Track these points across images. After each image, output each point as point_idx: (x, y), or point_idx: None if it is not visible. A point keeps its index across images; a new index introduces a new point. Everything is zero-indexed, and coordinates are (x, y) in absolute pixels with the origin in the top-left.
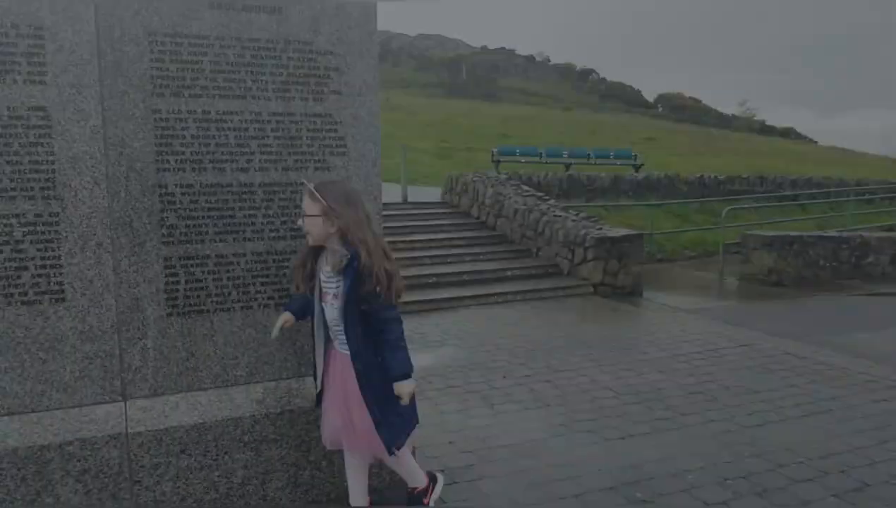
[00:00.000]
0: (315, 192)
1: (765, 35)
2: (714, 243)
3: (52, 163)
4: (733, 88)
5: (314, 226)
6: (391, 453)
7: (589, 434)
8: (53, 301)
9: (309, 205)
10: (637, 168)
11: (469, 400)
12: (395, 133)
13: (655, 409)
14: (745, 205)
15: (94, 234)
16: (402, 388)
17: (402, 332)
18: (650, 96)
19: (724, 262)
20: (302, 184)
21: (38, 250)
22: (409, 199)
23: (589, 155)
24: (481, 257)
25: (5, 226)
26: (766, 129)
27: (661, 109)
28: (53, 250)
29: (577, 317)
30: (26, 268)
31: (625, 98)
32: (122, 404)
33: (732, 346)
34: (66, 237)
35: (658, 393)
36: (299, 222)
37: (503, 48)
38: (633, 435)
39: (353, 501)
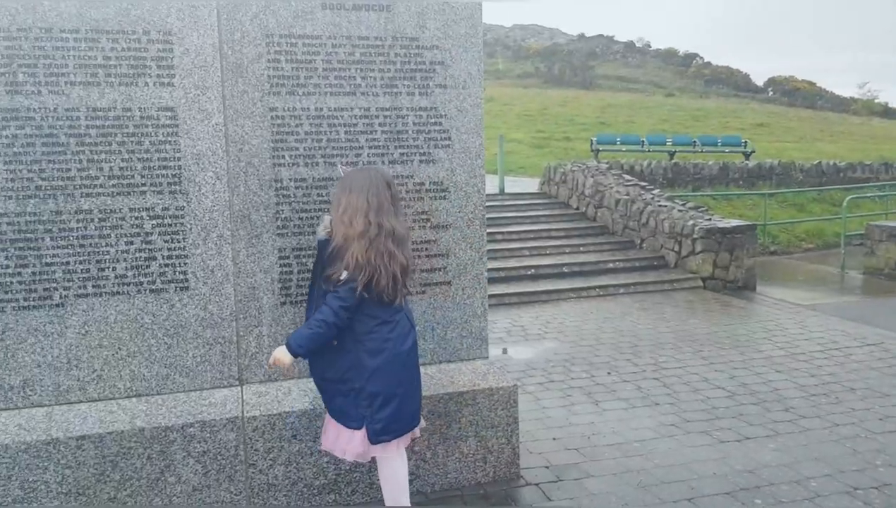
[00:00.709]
0: (339, 178)
1: (890, 12)
2: (834, 234)
3: (179, 160)
4: (851, 70)
5: (333, 207)
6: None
7: (702, 435)
8: (178, 289)
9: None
10: (747, 155)
11: (572, 395)
12: (491, 124)
13: (773, 411)
14: (869, 194)
15: (216, 226)
16: (276, 352)
17: (324, 320)
18: (759, 80)
19: (845, 255)
20: (343, 168)
21: (166, 241)
22: (506, 190)
23: (694, 142)
24: (581, 249)
25: (136, 218)
26: (889, 112)
27: (771, 93)
28: (179, 242)
29: (685, 312)
30: (154, 259)
31: (731, 83)
32: (239, 388)
33: (858, 345)
34: (191, 229)
35: (776, 394)
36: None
37: (601, 35)
38: (750, 438)
39: None
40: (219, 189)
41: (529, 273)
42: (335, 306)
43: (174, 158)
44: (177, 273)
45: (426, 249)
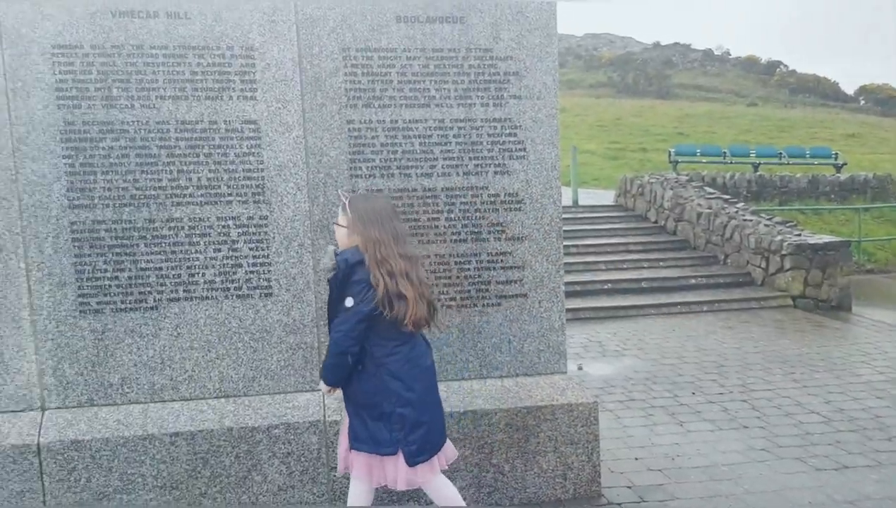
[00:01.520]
0: (347, 206)
1: None
2: None
3: (262, 171)
4: None
5: (341, 236)
6: (352, 447)
7: (796, 461)
8: (263, 295)
9: (340, 217)
10: (838, 168)
11: (654, 415)
12: (564, 135)
13: (875, 439)
14: None
15: (297, 235)
16: (319, 383)
17: (336, 351)
18: (849, 89)
19: None
20: (344, 195)
21: (251, 249)
22: (580, 202)
23: (780, 154)
24: (661, 263)
25: (223, 227)
26: None
27: (863, 103)
28: (263, 249)
29: (775, 332)
30: (241, 266)
31: (819, 91)
32: (321, 393)
33: None
34: (274, 238)
35: (877, 422)
36: (334, 227)
37: (677, 43)
38: (849, 467)
39: None
40: (299, 199)
41: (606, 287)
42: (338, 335)
43: (258, 169)
44: (261, 280)
45: (501, 261)
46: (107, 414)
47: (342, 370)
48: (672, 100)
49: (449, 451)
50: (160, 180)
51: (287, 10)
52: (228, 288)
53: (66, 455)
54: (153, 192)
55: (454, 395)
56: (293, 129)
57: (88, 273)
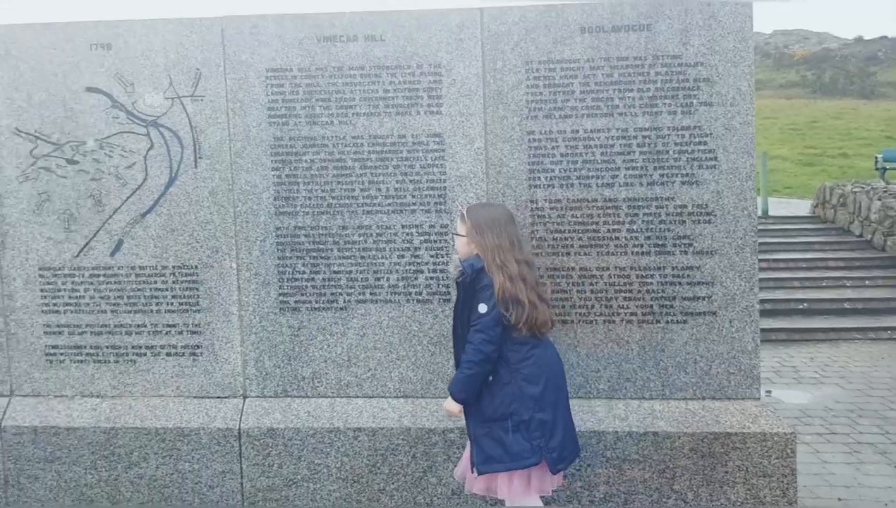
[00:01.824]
0: (465, 214)
1: None
2: None
3: (444, 181)
4: None
5: (460, 245)
6: (474, 471)
7: None
8: (442, 301)
9: (459, 226)
10: None
11: (860, 452)
12: None
13: None
14: None
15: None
16: (445, 403)
17: (478, 358)
18: None
19: None
20: (462, 205)
21: (431, 256)
22: (771, 213)
23: None
24: (867, 282)
25: (407, 235)
26: None
27: None
28: (443, 257)
29: None
30: (422, 272)
31: None
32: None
33: None
34: (453, 246)
35: None
36: (453, 237)
37: (884, 37)
38: None
39: None
40: None
41: (801, 307)
42: (477, 341)
43: (440, 180)
44: (440, 286)
45: (688, 276)
46: (299, 406)
47: (478, 381)
48: (878, 100)
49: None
50: (353, 190)
51: (473, 28)
52: (410, 293)
53: (262, 441)
54: (347, 201)
55: (633, 414)
56: (475, 141)
57: (289, 274)
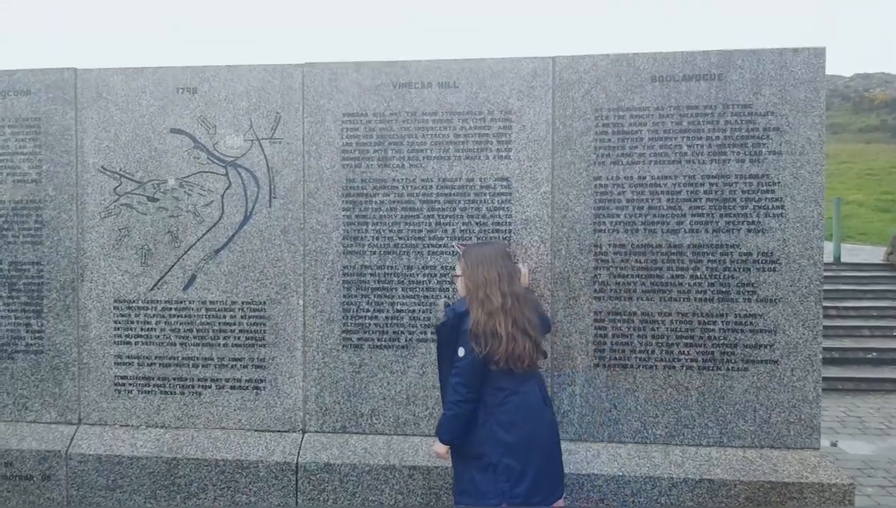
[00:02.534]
0: (462, 254)
1: None
2: None
3: (510, 224)
4: None
5: (459, 285)
6: (456, 502)
7: None
8: None
9: (458, 266)
10: None
11: None
12: (826, 184)
13: None
14: None
15: (538, 287)
16: (433, 445)
17: (456, 399)
18: None
19: None
20: (459, 246)
21: None
22: (843, 260)
23: None
24: None
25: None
26: None
27: None
28: None
29: None
30: None
31: None
32: None
33: None
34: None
35: None
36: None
37: None
38: None
39: None
40: (542, 252)
41: (870, 356)
42: (454, 383)
43: (506, 223)
44: None
45: (750, 324)
46: (356, 442)
47: (460, 422)
48: None
49: (560, 505)
50: (420, 231)
51: (545, 76)
52: None
53: (318, 477)
54: (413, 242)
55: (690, 461)
56: (542, 186)
57: (353, 311)
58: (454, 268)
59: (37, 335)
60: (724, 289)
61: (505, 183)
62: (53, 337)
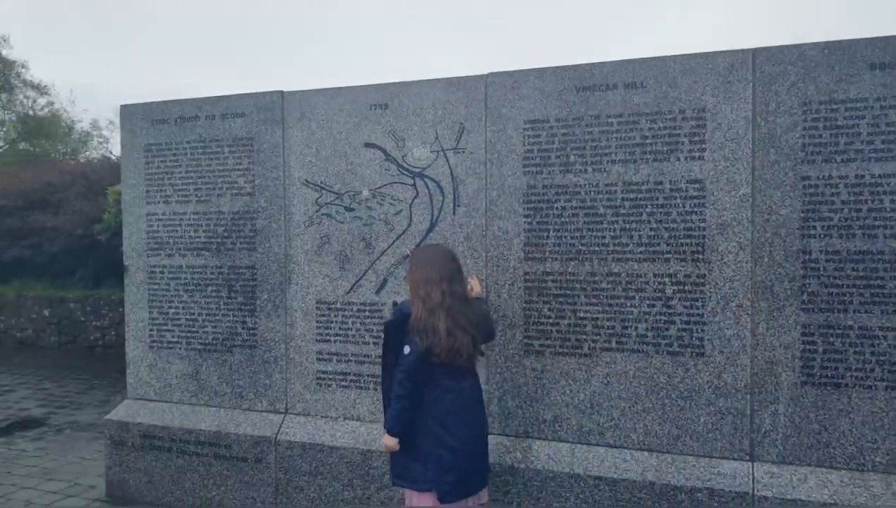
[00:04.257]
0: (410, 256)
1: None
2: None
3: (703, 229)
4: None
5: (410, 287)
6: (393, 483)
7: None
8: (694, 355)
9: (409, 270)
10: None
11: None
12: None
13: None
14: None
15: (736, 296)
16: (383, 439)
17: (402, 394)
18: None
19: None
20: (410, 251)
21: (685, 307)
22: None
23: None
24: None
25: (659, 283)
26: None
27: None
28: (697, 308)
29: None
30: (673, 322)
31: None
32: (749, 464)
33: None
34: (710, 297)
35: None
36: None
37: None
38: None
39: None
40: (741, 259)
41: None
42: (399, 378)
43: (699, 228)
44: (693, 338)
45: None
46: (539, 448)
47: (406, 414)
48: None
49: (483, 496)
50: (604, 237)
51: (744, 70)
52: (659, 344)
53: (502, 479)
54: (596, 248)
55: None
56: (740, 187)
57: (534, 318)
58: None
59: (251, 331)
60: None
61: (698, 185)
62: (265, 334)
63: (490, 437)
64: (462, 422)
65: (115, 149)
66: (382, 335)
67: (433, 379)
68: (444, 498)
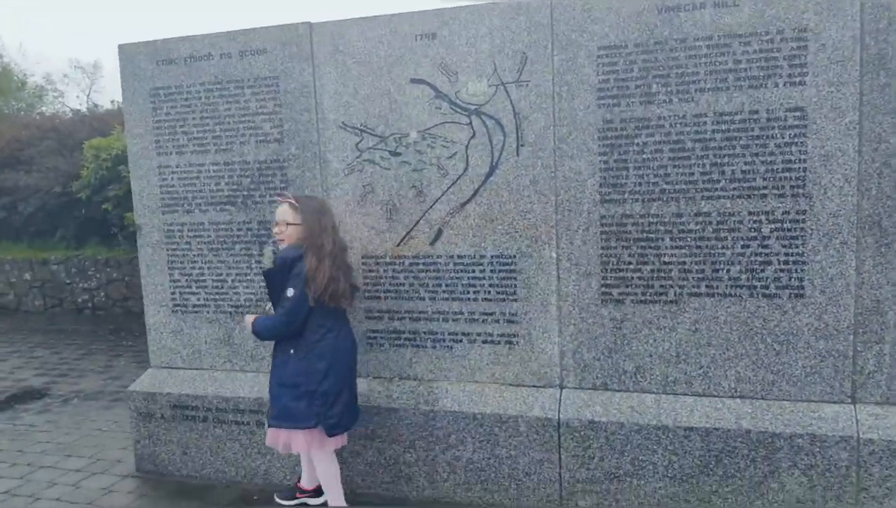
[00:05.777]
0: (298, 204)
1: None
2: None
3: (804, 161)
4: None
5: (292, 232)
6: (271, 426)
7: None
8: (792, 296)
9: (289, 214)
10: None
11: None
12: None
13: None
14: None
15: (840, 232)
16: (247, 317)
17: (281, 329)
18: None
19: None
20: (279, 195)
21: (783, 246)
22: None
23: None
24: None
25: (754, 222)
26: None
27: None
28: (797, 247)
29: None
30: (770, 263)
31: None
32: (852, 406)
33: None
34: (811, 234)
35: None
36: (275, 230)
37: None
38: None
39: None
40: (846, 192)
41: None
42: (281, 319)
43: (799, 160)
44: (792, 279)
45: None
46: (620, 400)
47: (272, 337)
48: None
49: (345, 438)
50: (692, 174)
51: None
52: (754, 286)
53: (582, 433)
54: (683, 187)
55: None
56: (846, 115)
57: (613, 264)
58: (277, 220)
59: None
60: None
61: (799, 113)
62: None
63: (565, 391)
64: (343, 361)
65: (71, 103)
66: (264, 281)
67: (315, 321)
68: (332, 432)
